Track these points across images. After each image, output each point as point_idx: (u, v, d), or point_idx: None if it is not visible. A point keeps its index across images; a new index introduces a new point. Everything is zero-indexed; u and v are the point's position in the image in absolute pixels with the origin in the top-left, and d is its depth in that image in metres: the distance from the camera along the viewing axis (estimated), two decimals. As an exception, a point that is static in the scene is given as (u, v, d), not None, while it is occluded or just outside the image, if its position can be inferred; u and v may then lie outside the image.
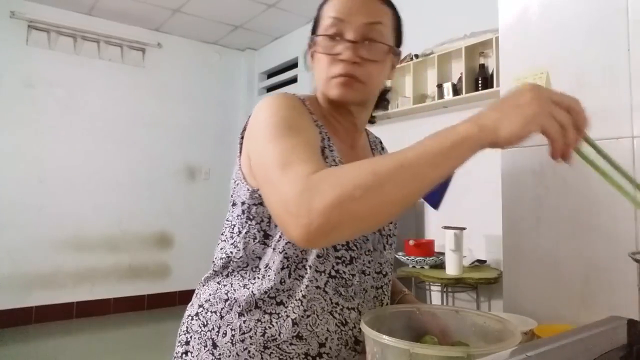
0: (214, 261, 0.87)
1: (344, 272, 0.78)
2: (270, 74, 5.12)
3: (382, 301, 0.85)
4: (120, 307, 4.32)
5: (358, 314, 0.79)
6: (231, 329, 0.78)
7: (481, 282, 2.36)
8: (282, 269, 0.77)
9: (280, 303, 0.77)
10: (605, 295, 1.06)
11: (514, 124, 0.57)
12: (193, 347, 0.81)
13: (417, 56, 3.13)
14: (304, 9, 4.08)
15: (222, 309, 0.80)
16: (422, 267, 2.58)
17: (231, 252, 0.83)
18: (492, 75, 2.68)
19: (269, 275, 0.78)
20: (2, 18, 3.96)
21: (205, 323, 0.81)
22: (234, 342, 0.77)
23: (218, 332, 0.79)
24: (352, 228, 0.57)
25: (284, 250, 0.77)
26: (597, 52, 1.13)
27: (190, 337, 0.82)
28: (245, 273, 0.81)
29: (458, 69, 2.91)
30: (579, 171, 1.16)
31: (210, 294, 0.83)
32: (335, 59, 0.79)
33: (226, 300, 0.80)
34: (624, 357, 0.67)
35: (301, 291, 0.76)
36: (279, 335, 0.75)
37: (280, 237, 0.77)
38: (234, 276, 0.82)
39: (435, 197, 3.06)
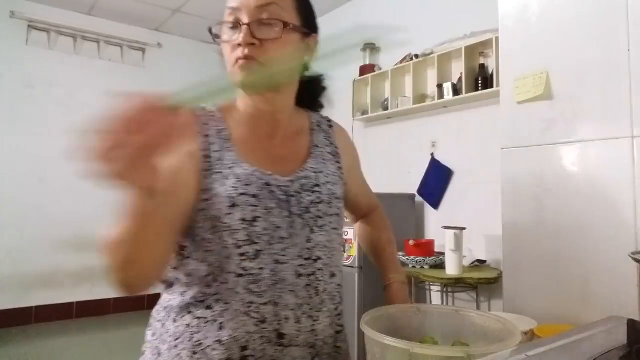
0: None
1: (252, 268, 0.75)
2: (270, 74, 5.13)
3: (316, 288, 0.81)
4: (120, 307, 4.32)
5: (274, 306, 0.76)
6: (169, 336, 0.79)
7: (481, 282, 2.36)
8: (207, 275, 0.77)
9: (209, 307, 0.77)
10: (605, 295, 1.06)
11: None
12: (147, 357, 0.83)
13: (417, 56, 3.13)
14: (304, 9, 4.08)
15: (163, 317, 0.81)
16: (422, 267, 2.58)
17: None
18: (492, 75, 2.68)
19: (195, 282, 0.78)
20: (2, 18, 3.96)
21: (154, 332, 0.83)
22: (170, 349, 0.78)
23: (161, 340, 0.80)
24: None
25: (205, 258, 0.77)
26: (597, 52, 1.13)
27: (146, 347, 0.84)
28: (179, 283, 0.81)
29: (458, 69, 2.91)
30: (579, 171, 1.16)
31: (158, 303, 0.85)
32: (234, 47, 0.78)
33: (165, 307, 0.81)
34: (624, 357, 0.67)
35: (220, 294, 0.76)
36: (205, 339, 0.75)
37: (196, 247, 0.78)
38: (173, 286, 0.83)
39: (435, 197, 3.07)
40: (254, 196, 0.77)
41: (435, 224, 3.00)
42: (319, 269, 0.82)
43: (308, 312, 0.79)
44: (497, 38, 2.18)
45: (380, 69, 3.53)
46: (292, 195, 0.81)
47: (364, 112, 3.51)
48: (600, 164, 1.11)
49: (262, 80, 0.79)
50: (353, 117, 3.57)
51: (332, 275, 0.85)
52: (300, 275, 0.79)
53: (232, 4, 0.80)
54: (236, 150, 0.81)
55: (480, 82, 2.71)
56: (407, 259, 2.61)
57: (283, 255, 0.78)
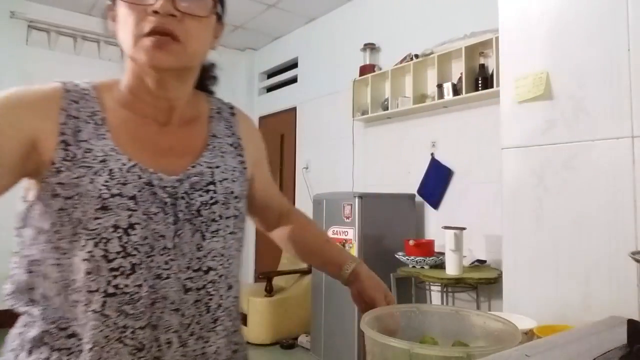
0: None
1: (127, 286, 0.61)
2: (270, 74, 5.13)
3: (207, 304, 0.68)
4: (120, 307, 4.32)
5: (152, 329, 0.63)
6: None
7: (481, 282, 2.36)
8: (57, 295, 0.63)
9: (73, 335, 0.62)
10: (605, 295, 1.06)
11: None
12: None
13: (417, 56, 3.13)
14: (304, 9, 4.08)
15: (17, 346, 0.67)
16: (422, 267, 2.58)
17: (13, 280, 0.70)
18: (492, 75, 2.68)
19: (51, 304, 0.64)
20: (2, 18, 3.96)
21: None
22: None
23: None
24: None
25: (52, 274, 0.63)
26: (597, 52, 1.13)
27: None
28: (28, 306, 0.68)
29: (458, 69, 2.91)
30: (579, 171, 1.16)
31: (15, 326, 0.70)
32: (145, 13, 0.63)
33: (20, 334, 0.68)
34: (624, 357, 0.67)
35: (84, 318, 0.61)
36: None
37: (45, 259, 0.64)
38: (22, 309, 0.69)
39: (435, 197, 3.07)
40: (131, 198, 0.63)
41: (435, 224, 3.00)
42: (211, 282, 0.69)
43: (198, 332, 0.67)
44: (497, 38, 2.18)
45: (380, 69, 3.53)
46: (181, 197, 0.68)
47: (364, 112, 3.51)
48: (600, 164, 1.11)
49: (175, 64, 0.67)
50: (353, 117, 3.57)
51: (229, 287, 0.72)
52: (188, 290, 0.66)
53: None
54: (112, 138, 0.66)
55: (480, 82, 2.71)
56: (407, 259, 2.61)
57: (166, 269, 0.64)
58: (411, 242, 2.63)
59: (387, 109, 3.31)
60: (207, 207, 0.70)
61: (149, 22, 0.63)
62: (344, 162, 3.81)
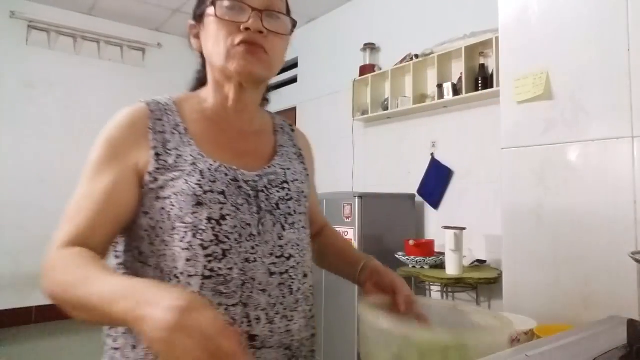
0: None
1: (220, 269, 0.70)
2: (270, 74, 5.13)
3: (290, 287, 0.76)
4: (120, 307, 4.32)
5: (243, 307, 0.71)
6: None
7: (481, 282, 2.36)
8: (164, 282, 0.71)
9: None
10: (605, 295, 1.06)
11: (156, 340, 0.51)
12: None
13: (417, 56, 3.13)
14: (303, 9, 4.08)
15: (122, 344, 0.74)
16: (422, 267, 2.58)
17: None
18: (492, 75, 2.68)
19: None
20: (2, 18, 3.96)
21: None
22: None
23: None
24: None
25: (158, 264, 0.72)
26: (597, 52, 1.13)
27: None
28: None
29: (458, 69, 2.91)
30: (579, 171, 1.16)
31: (112, 328, 0.77)
32: (237, 29, 0.73)
33: (124, 333, 0.74)
34: (624, 357, 0.67)
35: None
36: None
37: (151, 252, 0.72)
38: None
39: (435, 197, 3.07)
40: (221, 193, 0.72)
41: (435, 224, 3.00)
42: (292, 267, 0.77)
43: (282, 312, 0.74)
44: (497, 38, 2.18)
45: (380, 69, 3.53)
46: (261, 191, 0.77)
47: (364, 112, 3.51)
48: (600, 164, 1.11)
49: (263, 74, 0.77)
50: (353, 117, 3.57)
51: (305, 275, 0.80)
52: (272, 274, 0.74)
53: None
54: (196, 145, 0.76)
55: (480, 82, 2.71)
56: (407, 259, 2.61)
57: (253, 254, 0.73)
58: (411, 242, 2.63)
59: (387, 109, 3.31)
60: (284, 202, 0.79)
61: (240, 35, 0.73)
62: (344, 162, 3.81)
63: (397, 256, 2.66)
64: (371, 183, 3.55)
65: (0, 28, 3.94)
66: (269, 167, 0.81)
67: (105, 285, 0.58)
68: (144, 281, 0.59)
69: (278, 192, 0.79)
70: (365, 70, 3.54)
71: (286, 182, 0.82)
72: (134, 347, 0.73)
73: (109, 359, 0.76)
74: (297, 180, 0.84)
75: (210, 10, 0.75)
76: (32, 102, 4.06)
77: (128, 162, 0.72)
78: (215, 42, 0.75)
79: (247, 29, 0.72)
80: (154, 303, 0.52)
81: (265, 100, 0.95)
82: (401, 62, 3.24)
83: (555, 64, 1.22)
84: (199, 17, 0.80)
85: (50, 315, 4.00)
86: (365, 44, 3.59)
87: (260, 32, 0.73)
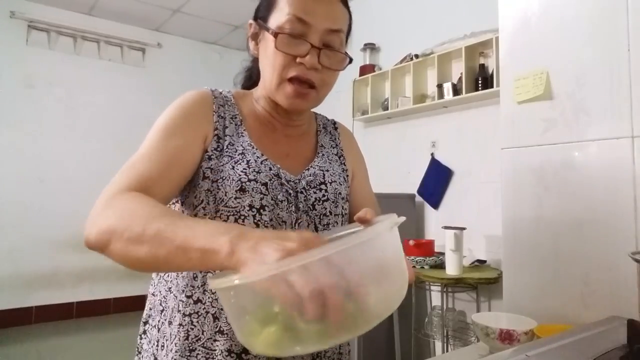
0: None
1: None
2: (270, 74, 5.13)
3: None
4: (120, 307, 4.32)
5: None
6: (165, 339, 0.76)
7: (481, 282, 2.36)
8: None
9: (198, 301, 0.74)
10: (605, 295, 1.06)
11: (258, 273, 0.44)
12: None
13: (417, 56, 3.13)
14: (304, 9, 4.08)
15: (159, 322, 0.78)
16: (422, 267, 2.58)
17: None
18: (492, 75, 2.68)
19: (187, 274, 0.75)
20: (2, 18, 3.96)
21: (150, 340, 0.80)
22: (167, 353, 0.75)
23: (157, 345, 0.78)
24: (115, 258, 0.60)
25: None
26: (597, 52, 1.13)
27: (142, 357, 0.81)
28: (168, 276, 0.79)
29: (458, 69, 2.91)
30: (579, 171, 1.16)
31: (150, 308, 0.82)
32: (293, 61, 0.74)
33: (162, 311, 0.78)
34: (624, 357, 0.67)
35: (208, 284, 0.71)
36: (202, 333, 0.73)
37: None
38: (161, 282, 0.81)
39: (435, 197, 3.07)
40: (263, 184, 0.75)
41: (435, 224, 3.00)
42: None
43: None
44: (497, 38, 2.18)
45: (380, 69, 3.53)
46: (300, 192, 0.80)
47: (364, 112, 3.51)
48: (600, 164, 1.11)
49: (309, 108, 0.81)
50: (353, 117, 3.57)
51: None
52: None
53: (302, 15, 0.74)
54: (248, 137, 0.80)
55: (480, 82, 2.71)
56: (407, 259, 2.61)
57: None
58: (411, 242, 2.63)
59: (387, 109, 3.31)
60: (320, 203, 0.82)
61: (294, 69, 0.75)
62: (344, 162, 3.81)
63: (397, 256, 2.66)
64: (371, 183, 3.54)
65: (0, 28, 3.94)
66: (308, 169, 0.84)
67: (193, 221, 0.56)
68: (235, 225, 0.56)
69: (315, 193, 0.82)
70: (365, 70, 3.54)
71: (324, 183, 0.84)
72: (170, 323, 0.76)
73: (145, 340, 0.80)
74: (335, 181, 0.86)
75: (271, 39, 0.75)
76: (32, 102, 4.06)
77: (199, 131, 0.76)
78: (270, 67, 0.77)
79: (302, 63, 0.74)
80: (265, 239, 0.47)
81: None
82: (401, 62, 3.24)
83: (555, 64, 1.22)
84: (262, 20, 0.80)
85: (50, 315, 4.00)
86: (365, 44, 3.59)
87: (315, 69, 0.75)
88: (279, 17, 0.75)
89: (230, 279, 0.44)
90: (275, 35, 0.74)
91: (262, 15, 0.81)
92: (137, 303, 4.40)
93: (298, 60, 0.74)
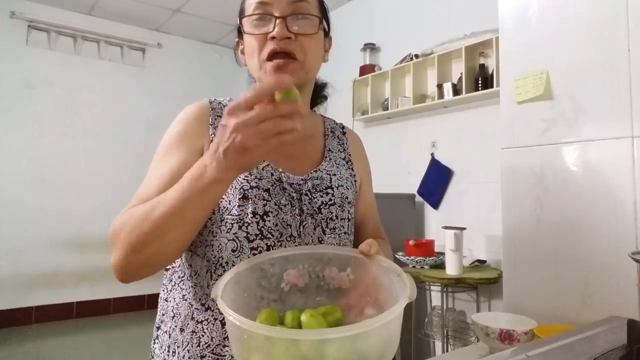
0: (164, 274, 0.86)
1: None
2: (270, 74, 5.13)
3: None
4: (120, 307, 4.32)
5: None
6: (177, 346, 0.77)
7: (481, 282, 2.36)
8: (207, 272, 0.76)
9: (208, 308, 0.76)
10: (605, 295, 1.06)
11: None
12: None
13: (417, 56, 3.13)
14: (304, 9, 4.08)
15: (170, 328, 0.80)
16: (422, 267, 2.58)
17: (173, 263, 0.83)
18: (492, 75, 2.68)
19: (199, 282, 0.77)
20: (2, 18, 3.96)
21: (162, 345, 0.81)
22: (178, 359, 0.76)
23: (168, 351, 0.79)
24: (147, 270, 0.68)
25: (205, 253, 0.76)
26: (597, 52, 1.13)
27: None
28: (183, 284, 0.80)
29: (458, 69, 2.91)
30: (579, 171, 1.16)
31: (163, 314, 0.83)
32: (265, 39, 0.76)
33: (173, 317, 0.80)
34: (624, 357, 0.67)
35: None
36: (212, 340, 0.74)
37: (200, 241, 0.77)
38: (175, 289, 0.82)
39: (435, 197, 3.07)
40: (265, 190, 0.76)
41: (435, 224, 3.00)
42: None
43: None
44: (497, 38, 2.18)
45: (380, 69, 3.53)
46: (305, 194, 0.80)
47: (364, 112, 3.51)
48: (600, 164, 1.11)
49: (296, 80, 0.75)
50: (353, 117, 3.57)
51: None
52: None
53: None
54: None
55: (480, 82, 2.71)
56: (407, 259, 2.61)
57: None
58: (411, 242, 2.63)
59: (387, 109, 3.31)
60: (326, 207, 0.81)
61: (268, 47, 0.75)
62: (344, 162, 3.81)
63: (397, 256, 2.66)
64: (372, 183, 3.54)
65: (0, 28, 3.94)
66: (315, 171, 0.84)
67: (172, 189, 0.64)
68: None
69: (321, 196, 0.81)
70: (365, 70, 3.54)
71: (330, 187, 0.83)
72: (182, 330, 0.77)
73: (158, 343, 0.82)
74: (342, 186, 0.86)
75: (243, 29, 0.79)
76: (32, 102, 4.06)
77: (194, 145, 0.77)
78: (250, 56, 0.79)
79: (273, 37, 0.74)
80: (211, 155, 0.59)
81: (322, 98, 0.98)
82: (401, 62, 3.24)
83: (555, 64, 1.22)
84: (239, 33, 0.83)
85: (51, 315, 4.00)
86: (365, 44, 3.59)
87: (288, 38, 0.75)
88: (248, 11, 0.79)
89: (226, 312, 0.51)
90: (241, 21, 0.78)
91: (239, 25, 0.83)
92: (137, 303, 4.40)
93: (269, 36, 0.75)
